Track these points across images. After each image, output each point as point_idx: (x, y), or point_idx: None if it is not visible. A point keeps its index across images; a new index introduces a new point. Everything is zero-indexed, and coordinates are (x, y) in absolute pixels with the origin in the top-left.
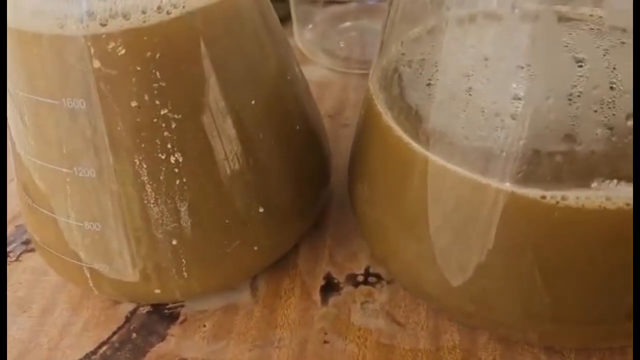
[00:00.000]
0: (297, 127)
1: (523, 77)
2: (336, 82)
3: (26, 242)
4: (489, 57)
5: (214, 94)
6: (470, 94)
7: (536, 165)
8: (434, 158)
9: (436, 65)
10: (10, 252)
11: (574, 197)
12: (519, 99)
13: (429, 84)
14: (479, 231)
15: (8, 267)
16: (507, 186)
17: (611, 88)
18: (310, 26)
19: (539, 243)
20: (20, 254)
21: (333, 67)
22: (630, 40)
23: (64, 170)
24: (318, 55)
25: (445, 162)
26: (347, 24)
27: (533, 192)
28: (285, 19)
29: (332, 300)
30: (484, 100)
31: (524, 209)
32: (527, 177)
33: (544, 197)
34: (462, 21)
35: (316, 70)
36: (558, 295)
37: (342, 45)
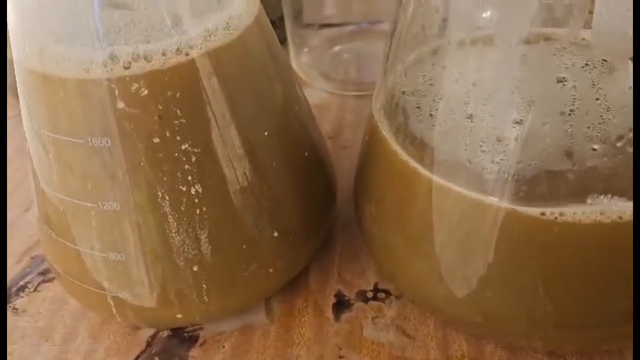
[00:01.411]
0: (306, 154)
1: (519, 101)
2: (334, 104)
3: (43, 273)
4: (486, 84)
5: (230, 128)
6: (470, 121)
7: (535, 185)
8: (439, 180)
9: (437, 94)
10: (28, 283)
11: (571, 212)
12: (517, 123)
13: (430, 112)
14: (483, 247)
15: (27, 297)
16: (509, 205)
17: (601, 109)
18: (306, 50)
19: (540, 256)
20: (38, 284)
21: (330, 89)
22: (615, 60)
23: (89, 204)
24: (315, 79)
25: (450, 184)
26: (342, 46)
27: (533, 210)
28: (281, 43)
29: (344, 316)
30: (484, 126)
31: (525, 225)
32: (527, 195)
33: (543, 214)
34: (460, 50)
35: (314, 93)
36: (559, 303)
37: (338, 67)
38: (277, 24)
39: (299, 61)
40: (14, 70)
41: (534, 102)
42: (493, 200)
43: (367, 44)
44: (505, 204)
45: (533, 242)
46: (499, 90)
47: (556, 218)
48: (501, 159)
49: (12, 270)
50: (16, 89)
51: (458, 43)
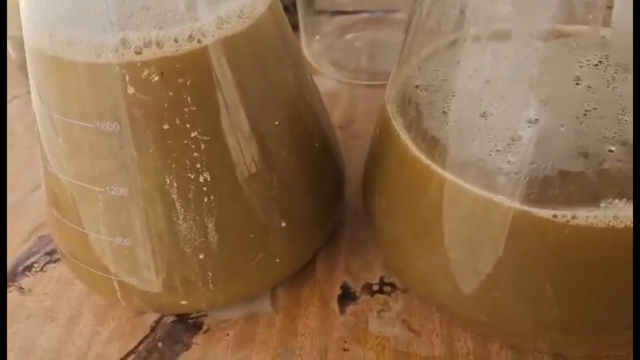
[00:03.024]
0: (316, 144)
1: (534, 100)
2: (344, 93)
3: (50, 253)
4: (501, 82)
5: (240, 116)
6: (484, 119)
7: (548, 186)
8: (451, 177)
9: (451, 90)
10: (34, 262)
11: (584, 216)
12: (531, 122)
13: (444, 108)
14: (492, 247)
15: (33, 277)
16: (520, 205)
17: (618, 111)
18: (318, 37)
19: (549, 258)
20: (45, 264)
21: (341, 78)
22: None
23: (97, 188)
24: (326, 67)
25: (461, 182)
26: (354, 35)
27: (545, 212)
28: (293, 29)
29: (350, 309)
30: (497, 124)
31: (536, 227)
32: (539, 197)
33: (555, 216)
34: (475, 47)
35: (324, 82)
36: (567, 307)
37: (349, 56)
38: (291, 9)
39: (310, 49)
40: (24, 50)
41: (549, 102)
42: (504, 200)
43: (380, 33)
44: (517, 205)
45: (543, 244)
46: (514, 89)
47: (568, 221)
48: (514, 159)
49: (19, 249)
50: (26, 68)
51: (474, 39)
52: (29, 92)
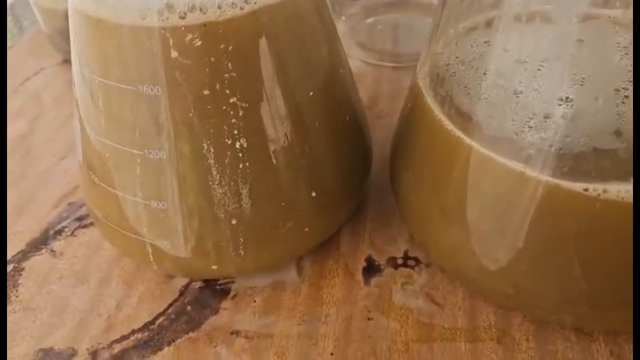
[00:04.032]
0: (347, 118)
1: (572, 77)
2: (369, 74)
3: (79, 219)
4: (539, 59)
5: (277, 85)
6: (520, 95)
7: (581, 160)
8: (483, 151)
9: (487, 65)
10: (65, 227)
11: (615, 190)
12: (568, 99)
13: (479, 83)
14: (522, 220)
15: (64, 241)
16: (552, 179)
17: None
18: (344, 18)
19: (579, 233)
20: (75, 229)
21: (366, 59)
22: None
23: (135, 151)
24: (351, 48)
25: (494, 156)
26: (379, 17)
27: (577, 185)
28: None
29: (374, 280)
30: (533, 100)
31: (567, 201)
32: (571, 170)
33: (586, 190)
34: (513, 22)
35: (351, 62)
36: (595, 281)
37: (374, 38)
38: None
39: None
40: (55, 19)
41: (587, 79)
42: (536, 173)
43: (404, 16)
44: (549, 178)
45: (574, 218)
46: (552, 66)
47: (599, 195)
48: (549, 134)
49: (50, 215)
50: (57, 38)
51: (513, 17)
52: (57, 64)
